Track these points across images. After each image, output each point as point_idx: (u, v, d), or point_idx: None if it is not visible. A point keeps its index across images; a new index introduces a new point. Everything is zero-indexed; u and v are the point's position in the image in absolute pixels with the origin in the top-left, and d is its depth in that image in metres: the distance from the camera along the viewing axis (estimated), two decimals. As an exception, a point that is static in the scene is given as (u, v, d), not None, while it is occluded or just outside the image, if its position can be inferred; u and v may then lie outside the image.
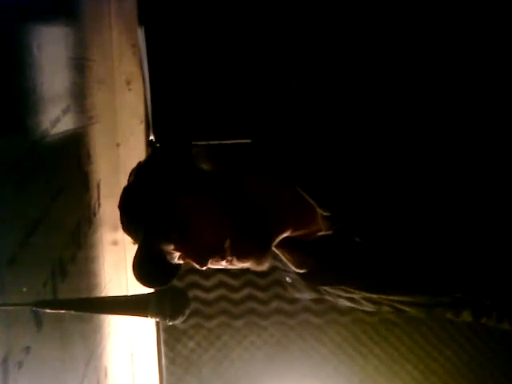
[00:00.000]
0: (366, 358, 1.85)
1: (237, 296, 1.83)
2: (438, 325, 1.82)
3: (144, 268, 0.95)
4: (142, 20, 1.62)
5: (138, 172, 1.00)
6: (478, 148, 0.93)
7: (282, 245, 0.99)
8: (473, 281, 0.94)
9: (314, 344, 1.85)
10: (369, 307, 1.04)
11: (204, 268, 0.94)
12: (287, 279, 1.07)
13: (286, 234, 0.97)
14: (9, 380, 0.73)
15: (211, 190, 0.94)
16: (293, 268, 1.02)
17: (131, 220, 0.97)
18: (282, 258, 1.02)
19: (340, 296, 1.04)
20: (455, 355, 1.85)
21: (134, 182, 0.99)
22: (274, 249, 1.00)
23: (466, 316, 1.01)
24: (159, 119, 1.69)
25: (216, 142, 1.68)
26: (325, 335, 1.85)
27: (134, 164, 1.03)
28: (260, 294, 1.83)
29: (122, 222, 0.99)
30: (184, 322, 0.97)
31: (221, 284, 1.81)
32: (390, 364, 1.86)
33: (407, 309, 1.02)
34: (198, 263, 0.94)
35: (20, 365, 0.77)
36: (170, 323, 0.91)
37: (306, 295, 1.07)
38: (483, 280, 0.93)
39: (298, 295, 1.09)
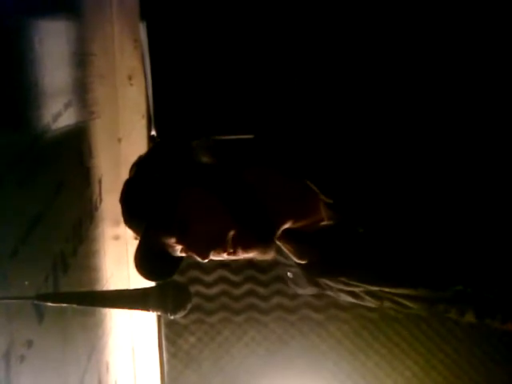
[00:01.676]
0: (366, 353, 1.86)
1: (238, 291, 1.83)
2: (438, 320, 1.82)
3: (146, 261, 0.95)
4: (144, 15, 1.62)
5: (139, 166, 1.00)
6: (481, 136, 0.93)
7: (284, 236, 0.98)
8: (475, 273, 0.94)
9: (315, 340, 1.85)
10: (371, 302, 1.04)
11: (206, 260, 0.95)
12: (288, 274, 1.07)
13: (287, 225, 0.97)
14: (11, 373, 0.73)
15: (211, 182, 0.94)
16: (294, 259, 1.02)
17: (133, 213, 0.98)
18: (284, 249, 1.02)
19: (341, 290, 1.04)
20: (455, 351, 1.85)
21: (135, 175, 1.00)
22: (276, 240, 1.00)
23: (470, 317, 1.00)
24: (161, 114, 1.69)
25: (217, 138, 1.68)
26: (325, 331, 1.85)
27: (135, 159, 1.04)
28: (261, 290, 1.83)
29: (124, 216, 0.99)
30: (185, 316, 0.97)
31: (222, 279, 1.82)
32: (391, 359, 1.86)
33: (409, 304, 1.01)
34: (199, 256, 0.94)
35: (22, 358, 0.77)
36: (172, 317, 0.91)
37: (308, 290, 1.07)
38: (485, 273, 0.93)
39: (299, 291, 1.09)
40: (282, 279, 1.77)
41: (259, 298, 1.84)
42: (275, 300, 1.83)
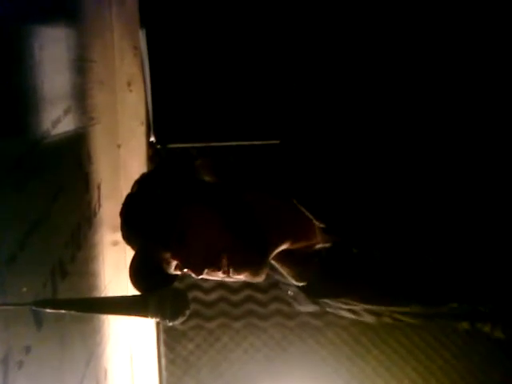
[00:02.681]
0: (365, 359, 1.85)
1: (236, 297, 1.83)
2: (437, 328, 1.82)
3: (140, 275, 0.96)
4: (144, 22, 1.63)
5: (142, 181, 1.01)
6: (474, 164, 0.94)
7: (281, 257, 0.99)
8: (469, 291, 0.94)
9: (314, 346, 1.85)
10: (370, 318, 1.05)
11: (200, 277, 0.95)
12: (289, 292, 1.07)
13: (284, 247, 0.98)
14: (8, 380, 0.73)
15: (212, 201, 0.96)
16: (292, 281, 1.03)
17: (132, 227, 0.98)
18: (282, 271, 1.03)
19: (340, 308, 1.05)
20: (454, 357, 1.85)
21: (137, 190, 1.00)
22: (273, 262, 1.01)
23: (465, 325, 1.02)
24: (160, 121, 1.70)
25: (216, 144, 1.68)
26: (324, 337, 1.85)
27: (134, 165, 1.04)
28: (259, 296, 1.83)
29: (122, 229, 1.00)
30: (184, 323, 0.97)
31: (220, 285, 1.81)
32: (389, 366, 1.86)
33: (407, 319, 1.03)
34: (193, 272, 0.95)
35: (20, 364, 0.77)
36: (170, 324, 0.91)
37: (308, 308, 1.08)
38: (479, 289, 0.94)
39: (299, 308, 1.09)
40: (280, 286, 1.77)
41: (258, 304, 1.84)
42: (274, 306, 1.83)
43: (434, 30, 1.58)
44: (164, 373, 1.86)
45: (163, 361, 1.85)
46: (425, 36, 1.58)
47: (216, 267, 0.94)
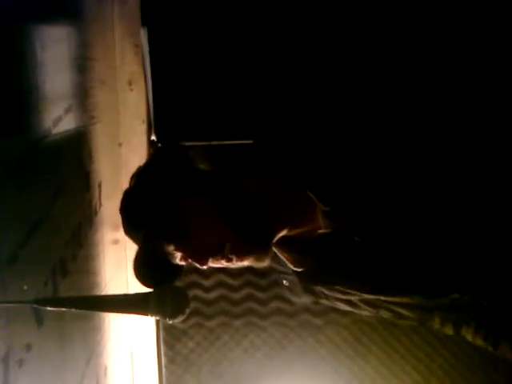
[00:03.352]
0: (365, 358, 1.86)
1: (237, 296, 1.83)
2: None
3: (145, 269, 0.96)
4: (145, 21, 1.63)
5: (138, 176, 1.01)
6: (478, 145, 0.94)
7: (281, 243, 0.99)
8: (470, 281, 0.94)
9: (314, 344, 1.85)
10: (367, 311, 1.05)
11: (205, 267, 0.95)
12: (284, 282, 1.07)
13: (284, 232, 0.97)
14: (9, 377, 0.73)
15: (210, 189, 0.95)
16: (291, 267, 1.03)
17: (132, 222, 0.98)
18: (281, 256, 1.03)
19: (337, 299, 1.04)
20: (454, 356, 1.85)
21: (134, 185, 1.01)
22: (273, 248, 1.00)
23: (449, 330, 1.02)
24: (161, 119, 1.70)
25: (217, 143, 1.69)
26: (324, 336, 1.85)
27: (135, 164, 1.04)
28: (260, 294, 1.83)
29: (124, 226, 1.00)
30: (184, 321, 0.97)
31: (221, 284, 1.82)
32: (389, 365, 1.86)
33: (405, 312, 1.02)
34: (198, 262, 0.95)
35: (20, 362, 0.77)
36: (170, 322, 0.91)
37: (303, 299, 1.08)
38: (480, 280, 0.94)
39: (294, 299, 1.09)
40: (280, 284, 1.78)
41: (258, 303, 1.84)
42: (274, 304, 1.83)
43: (432, 30, 1.58)
44: (164, 371, 1.86)
45: (163, 359, 1.86)
46: (421, 34, 1.58)
47: (219, 255, 0.94)
